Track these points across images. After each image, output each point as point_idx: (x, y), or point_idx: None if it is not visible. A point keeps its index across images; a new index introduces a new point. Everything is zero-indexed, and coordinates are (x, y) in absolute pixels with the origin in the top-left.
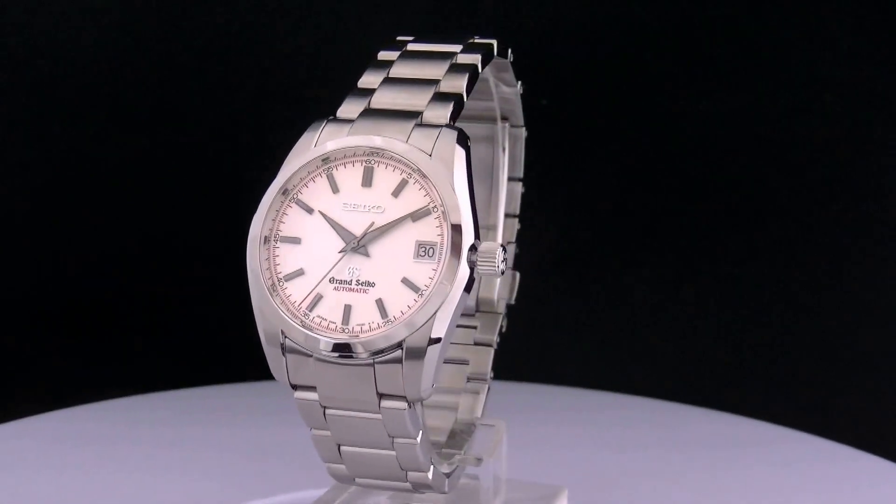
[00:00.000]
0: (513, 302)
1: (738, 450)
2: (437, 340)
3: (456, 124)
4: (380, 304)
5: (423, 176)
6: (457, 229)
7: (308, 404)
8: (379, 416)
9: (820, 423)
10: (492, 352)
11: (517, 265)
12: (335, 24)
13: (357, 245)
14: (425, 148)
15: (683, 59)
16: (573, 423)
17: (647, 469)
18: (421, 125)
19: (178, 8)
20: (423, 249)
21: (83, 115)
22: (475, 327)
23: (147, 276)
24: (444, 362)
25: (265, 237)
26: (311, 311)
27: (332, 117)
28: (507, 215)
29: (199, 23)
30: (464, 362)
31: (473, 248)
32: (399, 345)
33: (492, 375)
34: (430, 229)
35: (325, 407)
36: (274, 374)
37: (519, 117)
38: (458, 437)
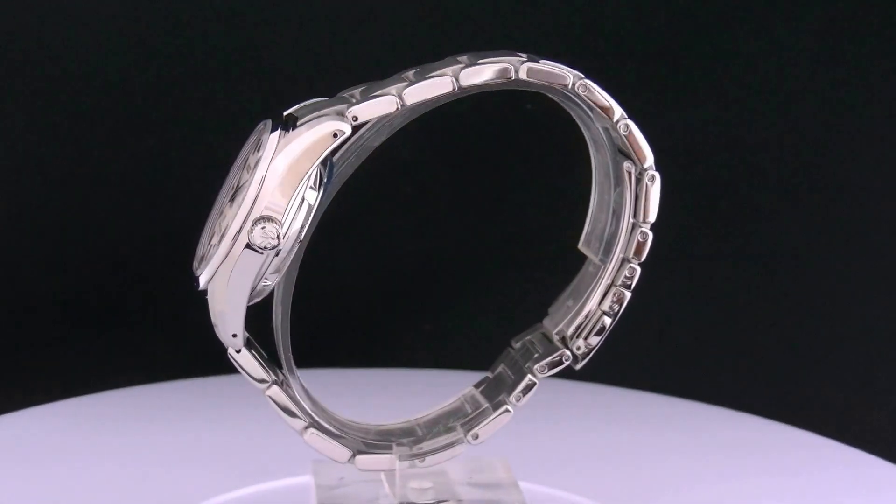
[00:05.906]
0: (590, 344)
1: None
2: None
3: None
4: (212, 249)
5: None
6: (247, 203)
7: None
8: None
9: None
10: (528, 380)
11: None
12: (347, 29)
13: (230, 200)
14: (289, 131)
15: (661, 65)
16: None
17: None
18: (338, 116)
19: (186, 11)
20: None
21: (91, 115)
22: (538, 353)
23: (154, 273)
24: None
25: (235, 185)
26: (209, 243)
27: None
28: (624, 259)
29: (208, 25)
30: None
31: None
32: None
33: (516, 404)
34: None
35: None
36: None
37: (639, 158)
38: (428, 437)
